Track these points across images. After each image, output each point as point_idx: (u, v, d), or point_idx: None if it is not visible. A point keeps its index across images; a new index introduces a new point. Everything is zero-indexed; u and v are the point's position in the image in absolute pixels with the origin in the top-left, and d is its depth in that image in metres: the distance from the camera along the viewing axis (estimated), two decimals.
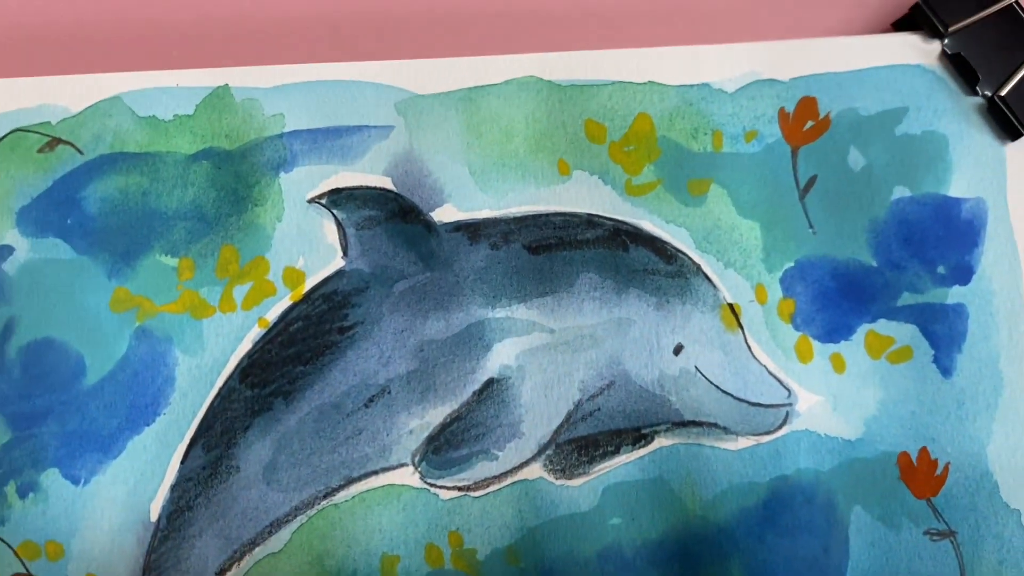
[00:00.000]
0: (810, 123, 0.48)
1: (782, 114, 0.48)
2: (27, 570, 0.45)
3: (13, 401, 0.46)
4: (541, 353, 0.46)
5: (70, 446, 0.45)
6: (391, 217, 0.47)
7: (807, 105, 0.48)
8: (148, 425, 0.46)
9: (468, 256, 0.47)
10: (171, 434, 0.46)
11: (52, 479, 0.45)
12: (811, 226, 0.48)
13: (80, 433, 0.45)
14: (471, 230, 0.47)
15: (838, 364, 0.47)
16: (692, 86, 0.48)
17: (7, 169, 0.47)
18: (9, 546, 0.45)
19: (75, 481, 0.45)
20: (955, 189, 0.48)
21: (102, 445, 0.45)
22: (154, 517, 0.45)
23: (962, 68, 0.48)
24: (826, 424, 0.46)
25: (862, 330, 0.47)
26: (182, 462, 0.46)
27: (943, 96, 0.48)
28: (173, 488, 0.45)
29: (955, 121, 0.48)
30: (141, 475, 0.45)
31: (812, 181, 0.48)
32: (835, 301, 0.47)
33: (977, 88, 0.48)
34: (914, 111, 0.48)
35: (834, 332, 0.47)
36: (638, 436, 0.46)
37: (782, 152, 0.48)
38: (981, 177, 0.48)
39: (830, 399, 0.46)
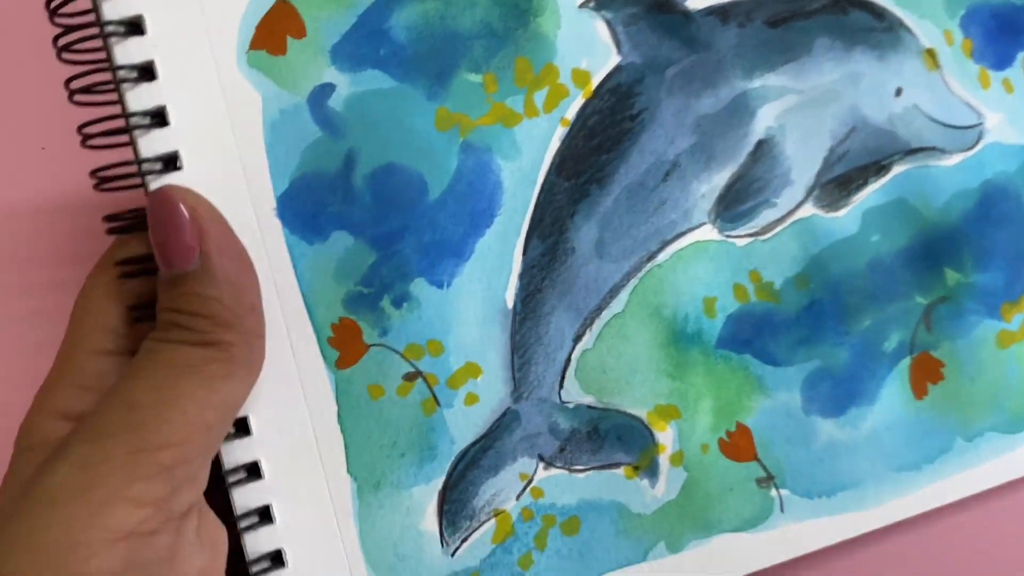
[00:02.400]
0: None
1: None
2: (416, 368, 0.43)
3: (371, 225, 0.42)
4: (796, 112, 0.47)
5: (429, 256, 0.43)
6: (650, 11, 0.46)
7: None
8: (488, 227, 0.44)
9: (722, 36, 0.46)
10: (509, 231, 0.44)
11: (420, 287, 0.43)
12: None
13: (435, 243, 0.43)
14: (721, 13, 0.46)
15: (1008, 87, 0.50)
16: None
17: (309, 11, 0.42)
18: (396, 351, 0.43)
19: (439, 285, 0.43)
20: None
21: (455, 250, 0.43)
22: (510, 304, 0.44)
23: None
24: (1007, 135, 0.49)
25: (1020, 56, 0.50)
26: (524, 253, 0.44)
27: None
28: (521, 276, 0.44)
29: None
30: (492, 271, 0.44)
31: None
32: (997, 37, 0.49)
33: None
34: None
35: (1001, 62, 0.50)
36: (879, 168, 0.48)
37: None
38: None
39: (1007, 115, 0.49)
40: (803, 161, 0.47)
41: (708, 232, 0.46)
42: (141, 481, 0.35)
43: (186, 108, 0.41)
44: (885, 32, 0.48)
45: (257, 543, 0.41)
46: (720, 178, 0.46)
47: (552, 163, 0.45)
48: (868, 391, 0.47)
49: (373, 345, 0.43)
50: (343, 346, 0.43)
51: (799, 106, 0.47)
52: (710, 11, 0.46)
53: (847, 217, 0.47)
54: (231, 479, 0.41)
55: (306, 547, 0.42)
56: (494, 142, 0.44)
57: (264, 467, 0.41)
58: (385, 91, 0.43)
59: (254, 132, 0.42)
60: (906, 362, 0.48)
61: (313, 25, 0.42)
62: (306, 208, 0.42)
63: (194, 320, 0.38)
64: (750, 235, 0.47)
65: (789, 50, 0.47)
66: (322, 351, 0.42)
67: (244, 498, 0.41)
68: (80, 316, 0.40)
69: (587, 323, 0.45)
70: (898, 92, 0.48)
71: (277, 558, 0.41)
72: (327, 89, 0.42)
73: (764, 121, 0.47)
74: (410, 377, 0.43)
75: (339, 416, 0.42)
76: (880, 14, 0.48)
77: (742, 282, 0.46)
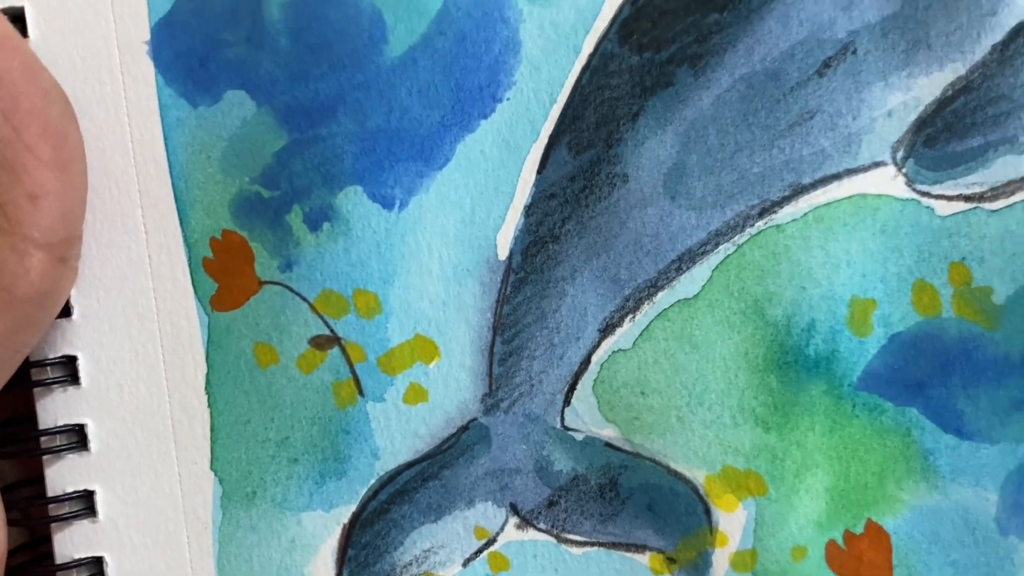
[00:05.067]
0: None
1: None
2: (331, 330, 0.26)
3: (284, 86, 0.25)
4: None
5: (375, 152, 0.25)
6: None
7: None
8: (485, 117, 0.25)
9: None
10: (520, 130, 0.25)
11: (354, 201, 0.25)
12: None
13: (387, 132, 0.25)
14: None
15: None
16: None
17: None
18: (303, 298, 0.26)
19: (387, 203, 0.25)
20: None
21: (421, 149, 0.25)
22: (503, 254, 0.25)
23: None
24: None
25: None
26: (539, 172, 0.25)
27: None
28: (529, 210, 0.25)
29: None
30: (480, 192, 0.25)
31: None
32: None
33: None
34: None
35: None
36: None
37: None
38: None
39: None
40: None
41: (886, 180, 0.25)
42: None
43: None
44: None
45: (70, 542, 0.27)
46: (928, 86, 0.24)
47: (615, 18, 0.25)
48: None
49: (269, 282, 0.26)
50: (224, 275, 0.26)
51: None
52: None
53: None
54: (45, 444, 0.27)
55: (137, 563, 0.27)
56: None
57: (92, 436, 0.27)
58: None
59: None
60: None
61: None
62: (193, 47, 0.25)
63: None
64: (966, 198, 0.25)
65: None
66: (193, 278, 0.26)
67: (59, 476, 0.27)
68: None
69: (629, 306, 0.25)
70: None
71: (96, 565, 0.27)
72: None
73: None
74: (322, 343, 0.26)
75: (208, 382, 0.26)
76: None
77: (932, 280, 0.25)
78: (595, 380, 0.26)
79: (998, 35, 0.24)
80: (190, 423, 0.26)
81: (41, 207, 0.23)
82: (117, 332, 0.26)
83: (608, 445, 0.26)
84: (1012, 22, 0.24)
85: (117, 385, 0.26)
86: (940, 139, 0.24)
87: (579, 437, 0.26)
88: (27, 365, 0.26)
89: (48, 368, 0.26)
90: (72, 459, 0.27)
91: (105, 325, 0.26)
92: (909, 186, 0.24)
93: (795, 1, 0.24)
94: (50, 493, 0.27)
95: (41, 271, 0.23)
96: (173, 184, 0.26)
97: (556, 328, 0.26)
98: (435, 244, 0.25)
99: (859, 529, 0.25)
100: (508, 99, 0.25)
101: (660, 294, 0.25)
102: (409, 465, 0.26)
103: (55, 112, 0.23)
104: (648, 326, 0.25)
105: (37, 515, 0.27)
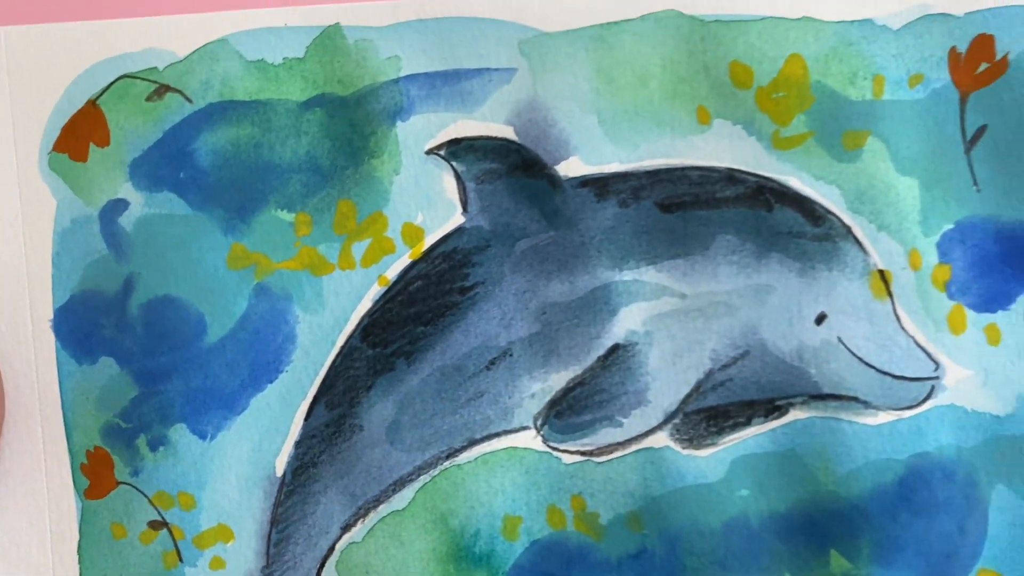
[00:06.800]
0: (984, 65, 0.35)
1: (953, 55, 0.35)
2: (162, 518, 0.38)
3: (138, 358, 0.37)
4: (671, 319, 0.36)
5: (195, 403, 0.37)
6: (513, 170, 0.36)
7: (982, 44, 0.35)
8: (271, 383, 0.37)
9: (595, 214, 0.36)
10: (294, 392, 0.37)
11: (180, 434, 0.37)
12: (975, 183, 0.35)
13: (204, 390, 0.37)
14: (599, 186, 0.36)
15: (993, 336, 0.36)
16: (853, 23, 0.35)
17: (116, 120, 0.37)
18: (145, 495, 0.38)
19: (202, 436, 0.37)
20: None
21: (226, 402, 0.37)
22: (280, 472, 0.37)
23: None
24: (974, 399, 0.36)
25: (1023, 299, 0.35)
26: (305, 419, 0.37)
27: None
28: (297, 444, 0.37)
29: None
30: (266, 431, 0.37)
31: (981, 132, 0.35)
32: (996, 267, 0.35)
33: None
34: None
35: (992, 301, 0.36)
36: (771, 408, 0.36)
37: (949, 99, 0.35)
38: None
39: (981, 373, 0.35)
40: (667, 380, 0.36)
41: (529, 439, 0.37)
42: None
43: None
44: (818, 241, 0.36)
45: None
46: (558, 379, 0.37)
47: (358, 325, 0.37)
48: None
49: (123, 483, 0.38)
50: (94, 476, 0.38)
51: (676, 313, 0.36)
52: (585, 182, 0.36)
53: (710, 460, 0.36)
54: None
55: None
56: (295, 290, 0.37)
57: None
58: (177, 217, 0.37)
59: (44, 238, 0.38)
60: None
61: (118, 134, 0.37)
62: (80, 326, 0.38)
63: None
64: (581, 453, 0.37)
65: (679, 243, 0.36)
66: (73, 476, 0.38)
67: None
68: None
69: (360, 513, 0.38)
70: (819, 319, 0.36)
71: None
72: (120, 206, 0.37)
73: (626, 323, 0.36)
74: (155, 526, 0.38)
75: (79, 547, 0.38)
76: (818, 217, 0.36)
77: (560, 506, 0.37)
78: (337, 561, 0.37)
79: (601, 351, 0.36)
80: (65, 574, 0.38)
81: None
82: (19, 511, 0.38)
83: None
84: (610, 343, 0.36)
85: (15, 545, 0.38)
86: (565, 414, 0.37)
87: None
88: None
89: None
90: None
91: (10, 504, 0.38)
92: (545, 443, 0.37)
93: (473, 321, 0.37)
94: None
95: None
96: (64, 412, 0.38)
97: (313, 525, 0.38)
98: (233, 464, 0.37)
99: None
100: (287, 371, 0.37)
101: (382, 506, 0.37)
102: None
103: None
104: (373, 527, 0.37)
105: None
